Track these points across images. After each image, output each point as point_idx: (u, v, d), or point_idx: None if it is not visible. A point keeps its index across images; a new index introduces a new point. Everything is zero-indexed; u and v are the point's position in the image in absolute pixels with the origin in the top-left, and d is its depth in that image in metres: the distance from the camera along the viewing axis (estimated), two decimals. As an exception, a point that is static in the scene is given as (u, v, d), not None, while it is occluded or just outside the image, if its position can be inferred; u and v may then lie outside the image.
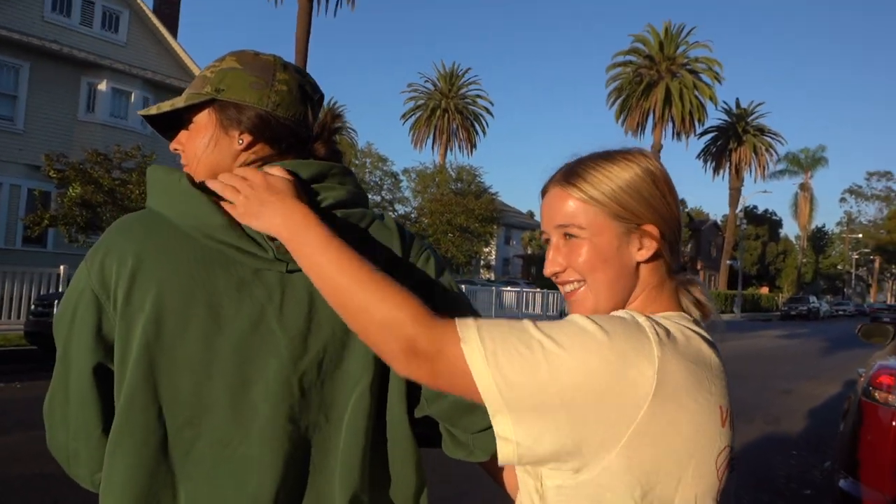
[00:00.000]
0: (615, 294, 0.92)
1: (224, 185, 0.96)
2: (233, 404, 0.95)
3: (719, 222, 58.85)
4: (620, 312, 0.87)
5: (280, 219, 0.91)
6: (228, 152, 1.03)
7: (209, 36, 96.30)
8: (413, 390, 1.03)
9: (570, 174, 0.95)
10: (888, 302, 75.35)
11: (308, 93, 1.08)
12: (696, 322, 0.92)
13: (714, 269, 56.23)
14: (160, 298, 0.94)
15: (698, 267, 55.51)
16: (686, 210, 51.33)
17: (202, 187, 0.99)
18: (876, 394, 3.13)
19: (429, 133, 45.59)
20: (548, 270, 0.95)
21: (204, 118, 1.03)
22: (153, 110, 1.04)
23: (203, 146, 1.03)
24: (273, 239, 0.96)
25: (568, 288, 0.95)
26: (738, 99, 49.79)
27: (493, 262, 45.58)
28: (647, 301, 0.92)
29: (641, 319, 0.83)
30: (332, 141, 1.12)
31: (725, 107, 48.64)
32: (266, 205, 0.92)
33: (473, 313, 0.98)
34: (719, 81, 40.85)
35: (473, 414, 0.98)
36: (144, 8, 19.76)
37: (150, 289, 0.94)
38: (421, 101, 46.04)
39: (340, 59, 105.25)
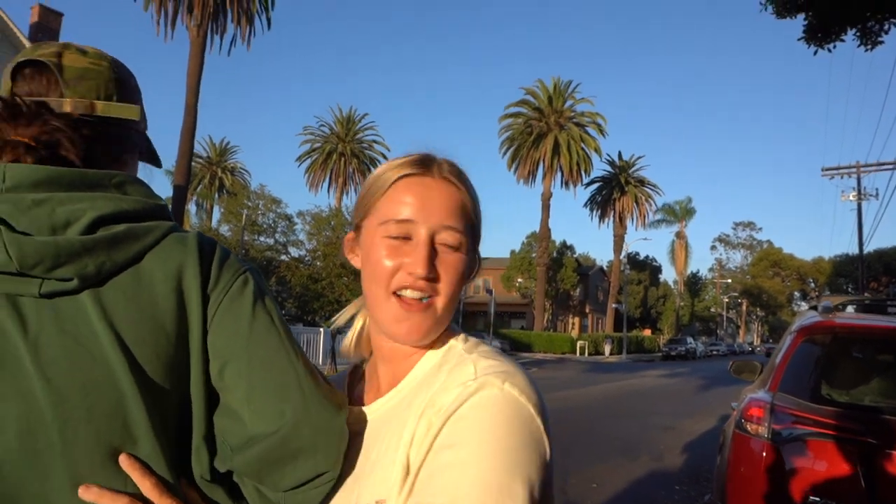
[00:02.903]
0: (450, 314, 0.86)
1: None
2: None
3: (605, 268, 61.76)
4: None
5: None
6: None
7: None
8: (211, 441, 0.85)
9: (459, 173, 0.88)
10: (754, 342, 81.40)
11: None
12: None
13: (601, 312, 58.69)
14: None
15: (587, 310, 57.77)
16: (574, 256, 53.53)
17: None
18: (747, 426, 3.30)
19: (324, 176, 45.28)
20: (423, 271, 0.81)
21: None
22: None
23: None
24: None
25: (416, 295, 0.83)
26: (620, 152, 53.01)
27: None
28: (454, 324, 0.92)
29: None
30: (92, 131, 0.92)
31: (609, 159, 51.72)
32: None
33: (294, 366, 0.84)
34: (603, 135, 43.51)
35: (286, 466, 0.82)
36: (17, 33, 18.54)
37: None
38: (317, 145, 45.79)
39: (234, 98, 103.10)
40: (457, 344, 0.87)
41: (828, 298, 4.04)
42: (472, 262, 0.89)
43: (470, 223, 0.87)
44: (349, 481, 0.84)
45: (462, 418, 0.73)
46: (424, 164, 0.86)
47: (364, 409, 0.90)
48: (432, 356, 0.87)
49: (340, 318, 0.99)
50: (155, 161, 1.11)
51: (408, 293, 0.83)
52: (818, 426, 3.14)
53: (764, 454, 3.19)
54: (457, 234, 0.84)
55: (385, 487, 0.77)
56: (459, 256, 0.85)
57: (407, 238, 0.83)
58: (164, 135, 23.56)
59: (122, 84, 0.98)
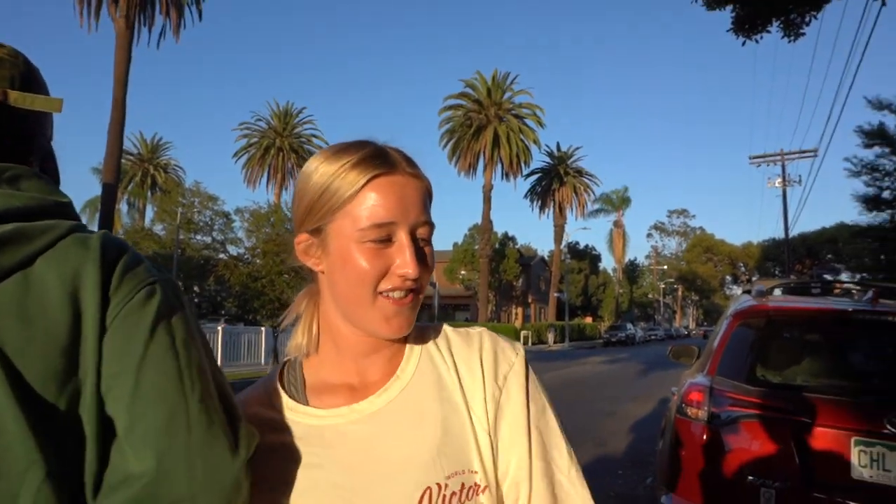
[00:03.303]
0: None
1: None
2: None
3: (546, 258, 62.75)
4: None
5: None
6: None
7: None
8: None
9: (415, 163, 0.88)
10: (690, 326, 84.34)
11: None
12: None
13: (543, 301, 59.62)
14: None
15: (529, 300, 58.60)
16: (517, 247, 54.16)
17: None
18: (688, 410, 3.37)
19: (262, 172, 44.31)
20: (415, 273, 0.83)
21: None
22: None
23: None
24: None
25: (403, 294, 0.85)
26: (558, 143, 54.01)
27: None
28: None
29: None
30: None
31: (548, 150, 52.42)
32: None
33: (186, 398, 0.74)
34: (542, 126, 44.01)
35: None
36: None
37: None
38: (254, 140, 44.74)
39: (166, 94, 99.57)
40: (420, 325, 0.93)
41: (760, 282, 4.17)
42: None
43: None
44: (366, 479, 0.81)
45: (517, 375, 0.91)
46: (388, 161, 0.84)
47: (355, 405, 0.87)
48: (412, 340, 0.92)
49: (288, 319, 0.94)
50: (54, 177, 0.96)
51: (396, 293, 0.83)
52: (753, 407, 3.23)
53: (704, 437, 3.26)
54: (429, 226, 0.86)
55: (465, 459, 0.83)
56: (431, 247, 0.88)
57: (387, 240, 0.82)
58: (90, 133, 22.50)
59: (37, 82, 0.88)
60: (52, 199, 0.81)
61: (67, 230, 0.77)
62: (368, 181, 0.82)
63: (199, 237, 33.06)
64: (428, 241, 0.87)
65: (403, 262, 0.82)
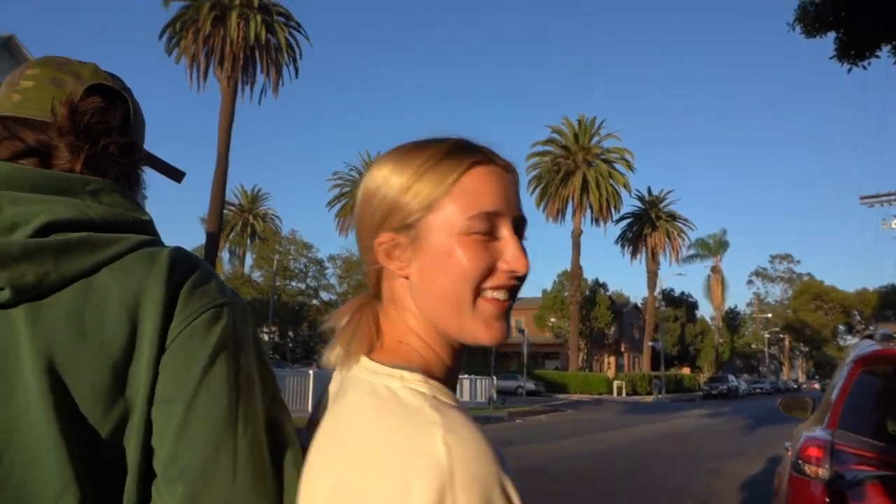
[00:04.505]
0: None
1: None
2: None
3: (639, 305, 60.71)
4: None
5: None
6: None
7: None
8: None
9: (509, 162, 0.81)
10: (800, 380, 78.73)
11: (68, 83, 0.83)
12: None
13: (637, 350, 57.44)
14: None
15: (622, 349, 56.63)
16: (608, 293, 52.73)
17: None
18: (806, 468, 2.99)
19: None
20: (525, 269, 0.74)
21: None
22: None
23: None
24: None
25: (504, 295, 0.75)
26: (649, 187, 52.60)
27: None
28: None
29: None
30: (94, 144, 0.82)
31: (639, 194, 51.28)
32: None
33: (237, 440, 0.68)
34: (632, 170, 43.23)
35: None
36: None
37: None
38: (346, 189, 46.40)
39: (265, 145, 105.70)
40: None
41: (885, 326, 3.72)
42: None
43: None
44: None
45: None
46: (482, 150, 0.77)
47: None
48: None
49: (335, 320, 0.79)
50: (171, 172, 0.99)
51: (500, 294, 0.74)
52: (885, 467, 2.84)
53: (825, 499, 2.87)
54: (526, 222, 0.79)
55: None
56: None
57: (491, 233, 0.74)
58: (196, 184, 24.15)
59: (141, 116, 0.94)
60: (131, 214, 0.79)
61: (137, 244, 0.74)
62: (469, 167, 0.74)
63: (294, 283, 34.35)
64: (523, 239, 0.78)
65: (512, 256, 0.73)
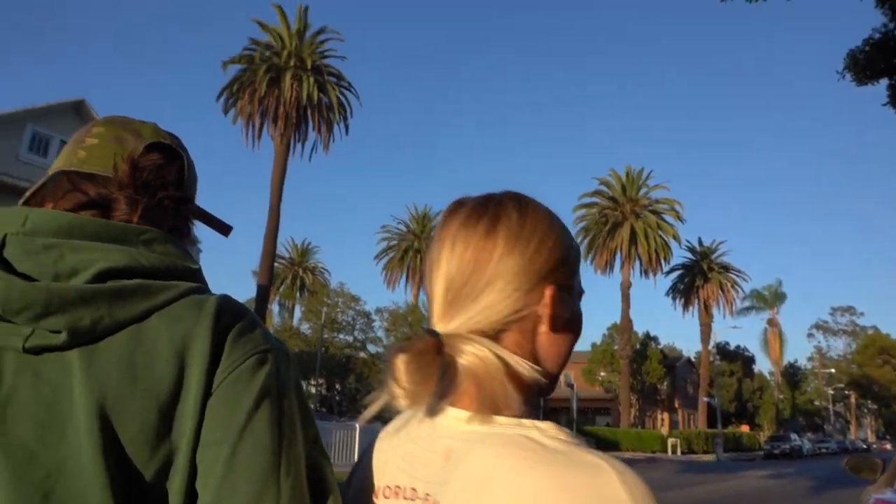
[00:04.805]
0: None
1: None
2: None
3: (693, 359, 58.82)
4: None
5: None
6: None
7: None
8: None
9: None
10: (869, 439, 74.35)
11: (129, 141, 0.90)
12: None
13: (692, 407, 55.34)
14: None
15: (676, 405, 54.66)
16: (659, 347, 51.31)
17: None
18: (877, 533, 2.80)
19: (401, 273, 46.06)
20: None
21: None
22: None
23: None
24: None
25: None
26: (700, 238, 51.54)
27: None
28: None
29: None
30: (151, 197, 0.88)
31: (689, 245, 50.39)
32: None
33: (278, 484, 0.69)
34: (681, 221, 42.60)
35: None
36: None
37: None
38: (394, 242, 46.98)
39: (315, 198, 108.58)
40: None
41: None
42: None
43: None
44: None
45: None
46: None
47: None
48: None
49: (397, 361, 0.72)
50: (219, 226, 1.02)
51: None
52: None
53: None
54: None
55: None
56: None
57: None
58: (249, 238, 24.83)
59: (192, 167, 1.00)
60: (181, 263, 0.83)
61: (186, 291, 0.78)
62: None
63: (341, 336, 34.61)
64: None
65: None
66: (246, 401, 0.72)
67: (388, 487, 0.75)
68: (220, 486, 0.69)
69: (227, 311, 0.77)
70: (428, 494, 0.69)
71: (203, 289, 0.81)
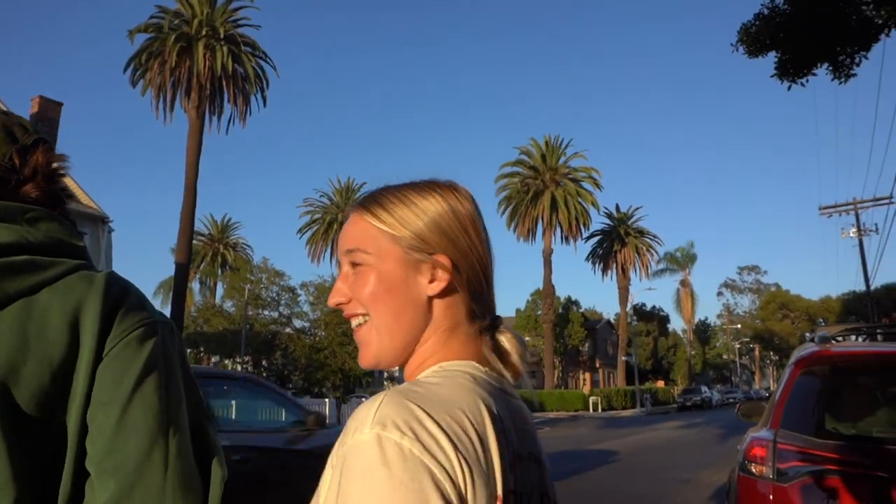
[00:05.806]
0: (401, 331, 0.81)
1: None
2: None
3: (612, 321, 61.19)
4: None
5: None
6: None
7: (88, 144, 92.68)
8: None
9: (368, 199, 0.87)
10: (771, 388, 79.89)
11: (15, 134, 0.95)
12: (491, 371, 0.84)
13: (612, 366, 57.83)
14: None
15: (597, 365, 56.94)
16: (581, 310, 53.14)
17: None
18: (751, 467, 3.16)
19: (326, 246, 45.52)
20: (332, 300, 0.84)
21: None
22: None
23: None
24: None
25: (354, 323, 0.84)
26: (617, 204, 53.32)
27: (396, 373, 44.76)
28: (438, 345, 0.83)
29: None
30: (52, 183, 0.95)
31: (607, 211, 52.02)
32: None
33: (167, 439, 0.76)
34: (599, 188, 43.92)
35: None
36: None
37: None
38: (317, 216, 46.25)
39: (233, 174, 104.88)
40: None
41: (824, 328, 3.94)
42: None
43: None
44: None
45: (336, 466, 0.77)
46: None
47: None
48: None
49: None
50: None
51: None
52: (825, 462, 3.01)
53: (770, 496, 3.04)
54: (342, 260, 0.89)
55: None
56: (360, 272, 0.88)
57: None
58: (166, 213, 23.80)
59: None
60: (67, 240, 0.89)
61: (75, 266, 0.85)
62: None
63: (266, 312, 33.96)
64: (365, 264, 0.83)
65: None
66: (135, 366, 0.79)
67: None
68: (111, 442, 0.75)
69: (116, 285, 0.85)
70: None
71: (89, 265, 0.88)
